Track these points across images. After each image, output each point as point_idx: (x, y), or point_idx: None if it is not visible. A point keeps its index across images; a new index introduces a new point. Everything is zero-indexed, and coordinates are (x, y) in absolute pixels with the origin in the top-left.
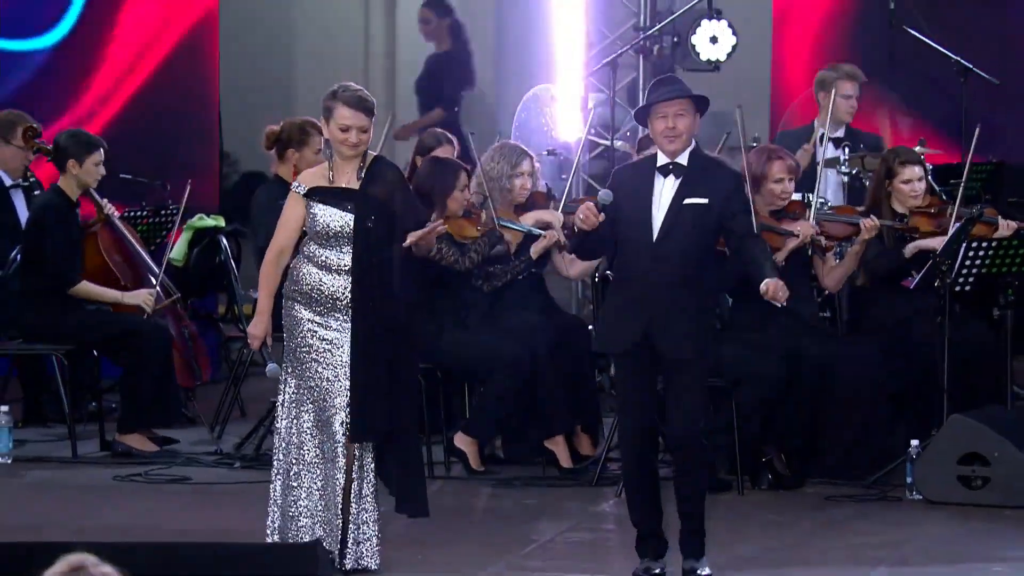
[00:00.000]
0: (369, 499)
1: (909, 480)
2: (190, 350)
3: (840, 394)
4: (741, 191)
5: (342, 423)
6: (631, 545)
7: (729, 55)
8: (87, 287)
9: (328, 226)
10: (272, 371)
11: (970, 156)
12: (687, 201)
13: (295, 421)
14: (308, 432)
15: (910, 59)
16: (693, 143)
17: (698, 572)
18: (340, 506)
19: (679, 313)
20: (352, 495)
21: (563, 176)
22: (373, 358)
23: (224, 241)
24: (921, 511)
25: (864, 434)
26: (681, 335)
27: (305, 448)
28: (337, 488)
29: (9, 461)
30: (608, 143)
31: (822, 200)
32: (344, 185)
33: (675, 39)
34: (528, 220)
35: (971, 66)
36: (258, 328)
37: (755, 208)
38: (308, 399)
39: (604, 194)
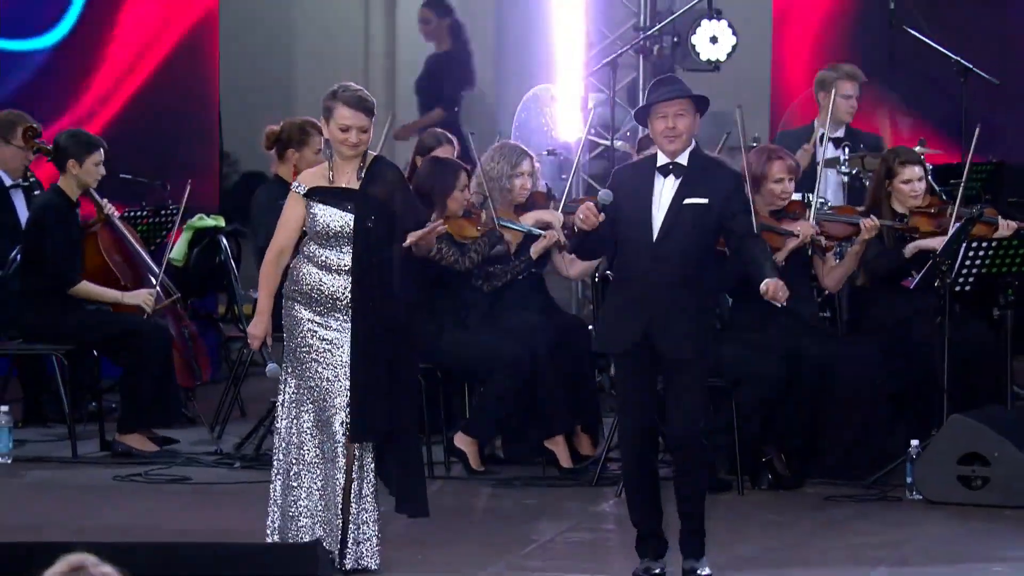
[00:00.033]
0: (369, 499)
1: (909, 480)
2: (190, 350)
3: (840, 394)
4: (741, 191)
5: (342, 423)
6: (631, 545)
7: (729, 55)
8: (87, 287)
9: (328, 226)
10: (272, 371)
11: (970, 156)
12: (687, 201)
13: (295, 421)
14: (308, 432)
15: (910, 59)
16: (693, 143)
17: (698, 572)
18: (340, 506)
19: (679, 313)
20: (352, 495)
21: (563, 176)
22: (373, 358)
23: (224, 241)
24: (921, 511)
25: (864, 434)
26: (681, 335)
27: (305, 448)
28: (337, 488)
29: (9, 461)
30: (608, 143)
31: (822, 200)
32: (344, 185)
33: (675, 39)
34: (528, 220)
35: (971, 66)
36: (258, 328)
37: (755, 208)
38: (308, 399)
39: (604, 194)
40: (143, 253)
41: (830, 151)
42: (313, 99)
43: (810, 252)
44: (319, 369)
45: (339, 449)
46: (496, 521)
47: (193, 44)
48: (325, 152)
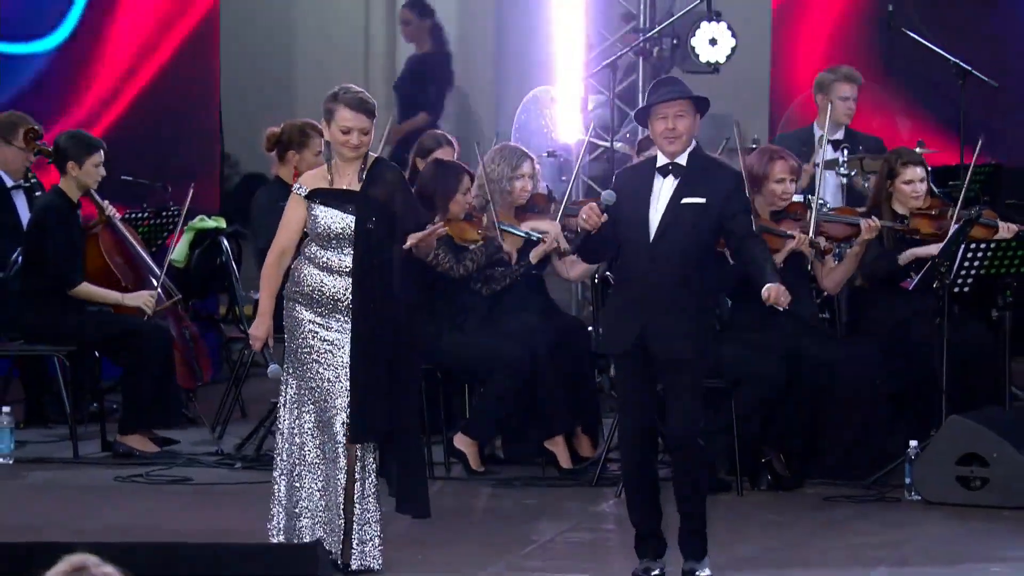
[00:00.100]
0: (371, 499)
1: (908, 481)
2: (191, 351)
3: (839, 395)
4: (741, 191)
5: (343, 424)
6: (631, 545)
7: (728, 57)
8: (88, 288)
9: (329, 228)
10: (274, 372)
11: (974, 159)
12: (685, 201)
13: (296, 421)
14: (309, 433)
15: (909, 61)
16: (694, 144)
17: (697, 573)
18: (342, 506)
19: (676, 313)
20: (355, 495)
21: (563, 178)
22: (373, 359)
23: (225, 242)
24: (920, 512)
25: (863, 435)
26: (678, 335)
27: (306, 448)
28: (338, 488)
29: (11, 462)
30: (608, 145)
31: (821, 202)
32: (345, 187)
33: (674, 41)
34: (526, 227)
35: (970, 68)
36: (260, 329)
37: (754, 209)
38: (309, 400)
39: (607, 195)
40: (144, 254)
41: (829, 153)
42: (314, 101)
43: (811, 258)
44: (320, 370)
45: (340, 450)
46: (496, 521)
47: (194, 46)
48: (325, 154)
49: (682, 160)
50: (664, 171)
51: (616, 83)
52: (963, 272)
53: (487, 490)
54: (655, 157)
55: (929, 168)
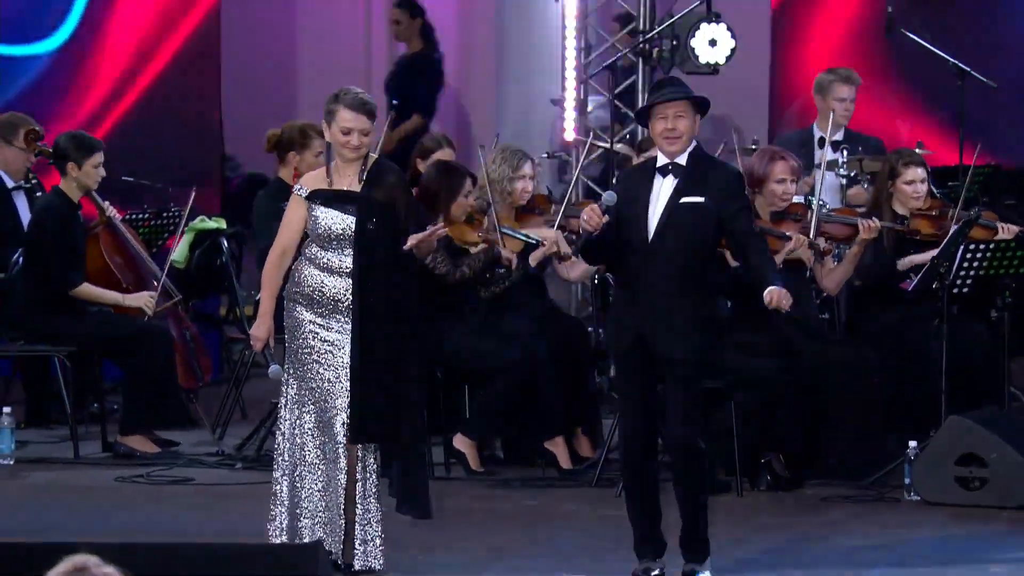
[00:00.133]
0: (372, 499)
1: (907, 481)
2: (191, 351)
3: (839, 395)
4: (741, 189)
5: (343, 424)
6: (630, 546)
7: (728, 58)
8: (88, 289)
9: (330, 228)
10: (275, 372)
11: (975, 160)
12: (684, 200)
13: (297, 422)
14: (309, 433)
15: (907, 62)
16: (694, 144)
17: (698, 575)
18: (343, 507)
19: (676, 313)
20: (357, 496)
21: (563, 179)
22: (373, 360)
23: (225, 243)
24: (919, 512)
25: (862, 435)
26: (675, 335)
27: (306, 449)
28: (339, 489)
29: (11, 462)
30: (607, 146)
31: (821, 203)
32: (346, 188)
33: (674, 42)
34: (528, 231)
35: (968, 69)
36: (261, 330)
37: (755, 209)
38: (309, 400)
39: (608, 196)
40: (144, 255)
41: (828, 154)
42: (315, 102)
43: (810, 267)
44: (320, 370)
45: (340, 450)
46: (496, 522)
47: (195, 47)
48: (325, 155)
49: (682, 160)
50: (664, 171)
51: (615, 84)
52: (962, 273)
53: (487, 491)
54: (656, 158)
55: (929, 169)
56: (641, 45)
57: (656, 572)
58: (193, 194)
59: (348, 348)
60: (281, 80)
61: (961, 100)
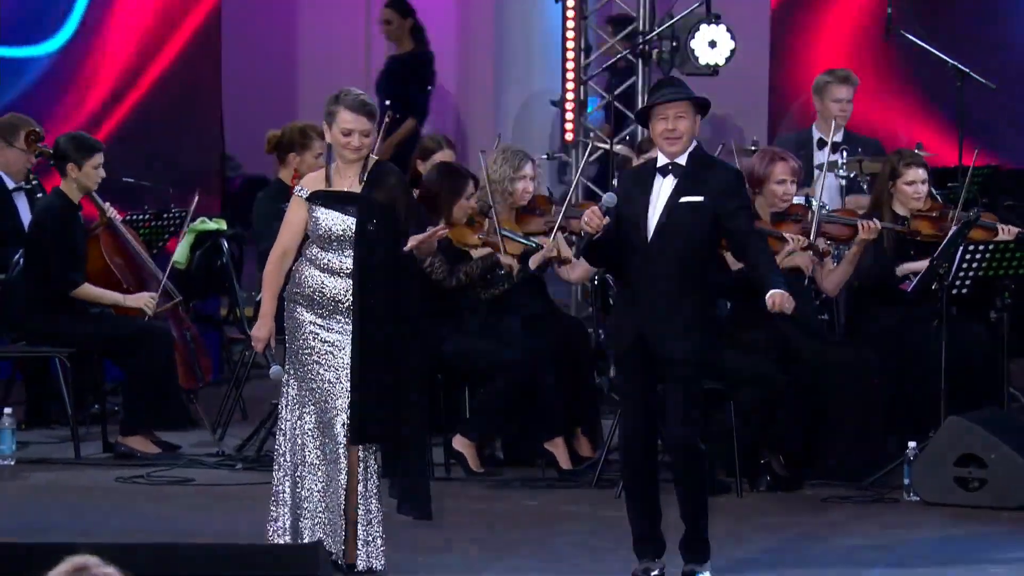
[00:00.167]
0: (374, 500)
1: (906, 482)
2: (192, 352)
3: (838, 396)
4: (741, 188)
5: (343, 424)
6: (630, 546)
7: (728, 59)
8: (88, 289)
9: (330, 230)
10: (276, 373)
11: (974, 161)
12: (683, 200)
13: (298, 422)
14: (309, 434)
15: (907, 63)
16: (695, 144)
17: (697, 575)
18: (343, 507)
19: (675, 313)
20: (359, 496)
21: (563, 180)
22: (374, 361)
23: (226, 244)
24: (918, 512)
25: (862, 436)
26: (674, 335)
27: (307, 450)
28: (339, 489)
29: (12, 463)
30: (607, 147)
31: (820, 204)
32: (346, 189)
33: (674, 43)
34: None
35: (968, 70)
36: (262, 331)
37: (755, 210)
38: (310, 401)
39: (608, 197)
40: (145, 256)
41: (827, 155)
42: (315, 103)
43: (808, 275)
44: (320, 371)
45: (341, 451)
46: (495, 522)
47: (195, 48)
48: (326, 156)
49: (682, 160)
50: (664, 171)
51: (615, 85)
52: (961, 274)
53: (486, 491)
54: (656, 158)
55: (930, 169)
56: (641, 46)
57: (656, 572)
58: (196, 198)
59: (348, 349)
60: (281, 81)
61: (960, 101)
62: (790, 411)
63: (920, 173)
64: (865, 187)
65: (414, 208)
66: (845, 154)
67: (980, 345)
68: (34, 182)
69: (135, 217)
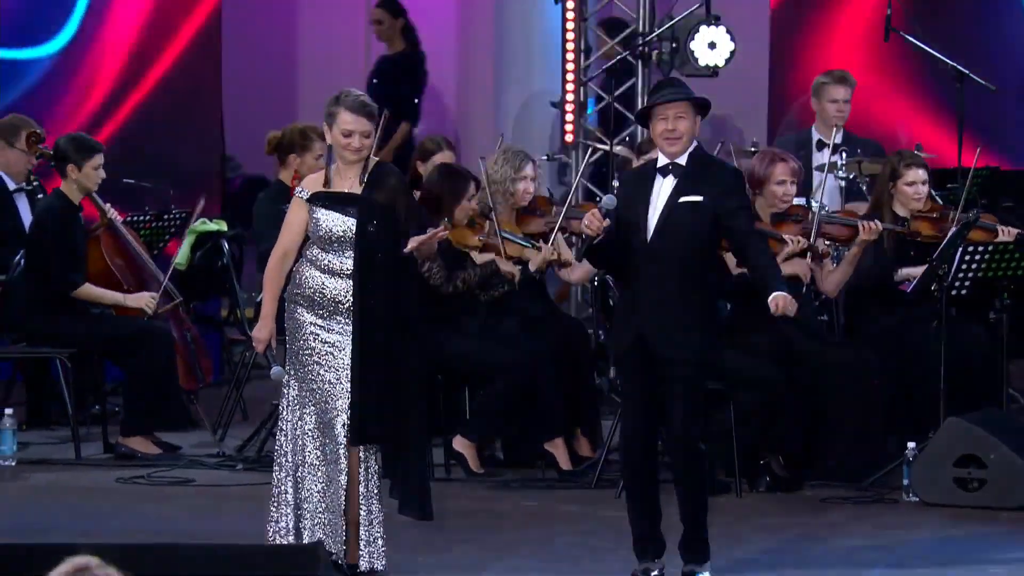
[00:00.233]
0: (375, 500)
1: (906, 482)
2: (192, 353)
3: (837, 397)
4: (740, 188)
5: (343, 425)
6: (630, 546)
7: (727, 61)
8: (89, 289)
9: (331, 231)
10: (277, 374)
11: (974, 163)
12: (683, 199)
13: (298, 423)
14: (310, 434)
15: (906, 65)
16: (695, 144)
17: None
18: (344, 508)
19: (676, 313)
20: (360, 497)
21: (562, 181)
22: (374, 361)
23: (226, 245)
24: (918, 513)
25: (861, 436)
26: (675, 335)
27: (307, 450)
28: (339, 490)
29: (13, 463)
30: (607, 148)
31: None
32: (347, 190)
33: (673, 45)
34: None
35: (967, 71)
36: (263, 332)
37: (755, 211)
38: (310, 401)
39: (607, 199)
40: (146, 257)
41: (827, 156)
42: (316, 105)
43: (808, 259)
44: (321, 372)
45: (341, 451)
46: (495, 523)
47: (196, 50)
48: (326, 157)
49: (682, 160)
50: (664, 171)
51: (615, 87)
52: (960, 275)
53: (487, 492)
54: (656, 159)
55: (930, 170)
56: (641, 48)
57: (656, 572)
58: (202, 202)
59: (349, 349)
60: (281, 82)
61: (960, 102)
62: (790, 412)
63: (920, 174)
64: (864, 188)
65: (414, 209)
66: (844, 155)
67: (979, 346)
68: (35, 183)
69: (136, 218)
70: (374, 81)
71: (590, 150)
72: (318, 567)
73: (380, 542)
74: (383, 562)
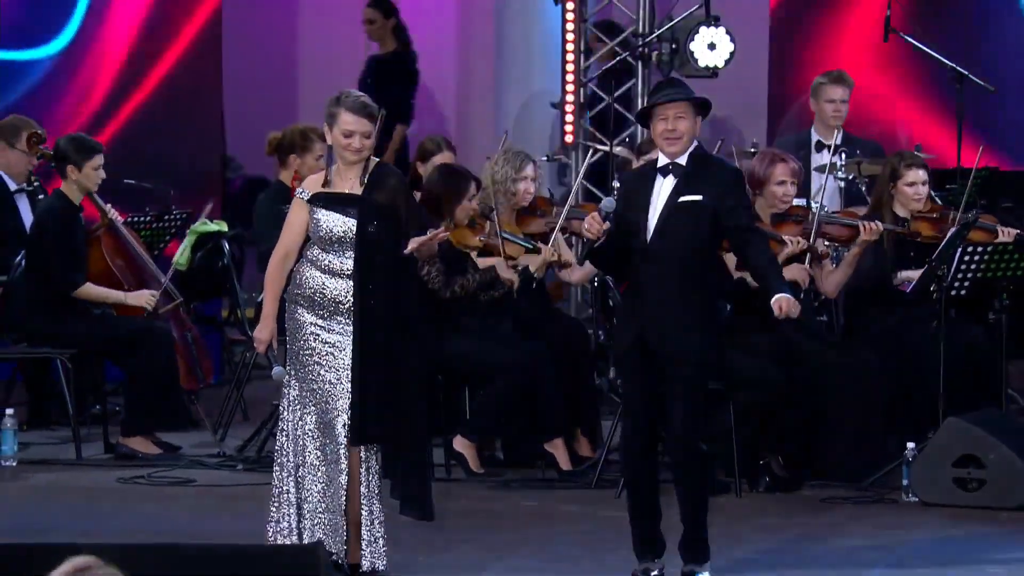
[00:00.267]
0: (376, 500)
1: (905, 482)
2: (193, 353)
3: (837, 397)
4: (740, 186)
5: (344, 425)
6: (629, 546)
7: (727, 62)
8: (90, 289)
9: (331, 231)
10: (278, 374)
11: (977, 162)
12: (682, 199)
13: (299, 423)
14: (310, 435)
15: (906, 65)
16: (695, 144)
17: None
18: (345, 508)
19: (675, 313)
20: (362, 497)
21: (562, 182)
22: (374, 362)
23: (227, 246)
24: (917, 513)
25: (861, 437)
26: (676, 335)
27: (307, 450)
28: (340, 490)
29: (14, 464)
30: (607, 149)
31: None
32: (347, 191)
33: (673, 46)
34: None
35: (967, 72)
36: (264, 332)
37: (755, 212)
38: (311, 401)
39: (607, 202)
40: (146, 258)
41: (826, 157)
42: (316, 105)
43: (808, 261)
44: (321, 372)
45: (342, 451)
46: (495, 523)
47: (197, 51)
48: (327, 158)
49: (682, 160)
50: (664, 171)
51: (615, 87)
52: (960, 276)
53: (487, 492)
54: (657, 159)
55: (930, 171)
56: (640, 49)
57: (656, 572)
58: (210, 205)
59: (349, 350)
60: (282, 83)
61: (959, 103)
62: (790, 412)
63: (920, 174)
64: (864, 189)
65: (415, 210)
66: (844, 156)
67: (979, 346)
68: (36, 184)
69: (136, 219)
70: (368, 81)
71: (590, 151)
72: (318, 567)
73: (381, 542)
74: (384, 561)
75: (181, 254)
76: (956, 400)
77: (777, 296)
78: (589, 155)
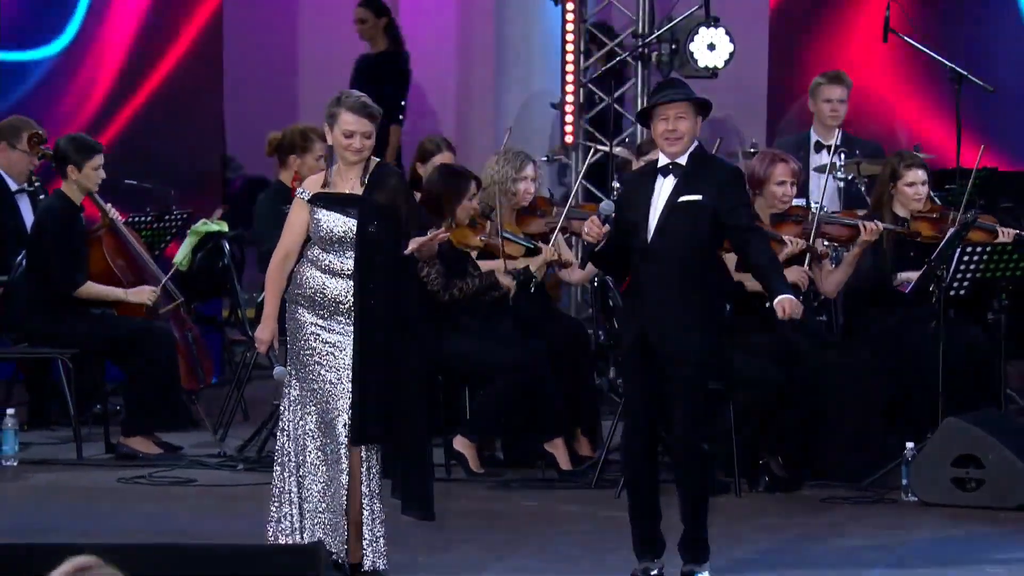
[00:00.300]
0: (377, 500)
1: (904, 482)
2: (193, 354)
3: (836, 397)
4: (739, 185)
5: (344, 425)
6: (630, 546)
7: (727, 62)
8: (90, 288)
9: (331, 231)
10: (279, 374)
11: (978, 162)
12: (682, 199)
13: (300, 423)
14: (310, 434)
15: (906, 65)
16: (695, 144)
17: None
18: (345, 507)
19: (676, 313)
20: (363, 497)
21: (562, 182)
22: (375, 362)
23: (227, 246)
24: (916, 513)
25: (860, 437)
26: (677, 335)
27: (308, 450)
28: (340, 490)
29: (15, 464)
30: (607, 149)
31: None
32: (347, 191)
33: (673, 46)
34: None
35: (965, 72)
36: (265, 332)
37: (755, 212)
38: (311, 401)
39: (605, 205)
40: (147, 258)
41: (825, 157)
42: (317, 106)
43: (807, 261)
44: (322, 372)
45: (342, 451)
46: (496, 523)
47: (197, 51)
48: (327, 158)
49: (682, 160)
50: (664, 171)
51: (615, 88)
52: (959, 276)
53: (487, 492)
54: (657, 159)
55: (929, 171)
56: (640, 49)
57: (656, 572)
58: (220, 211)
59: (349, 350)
60: (282, 83)
61: (958, 103)
62: (789, 412)
63: (920, 174)
64: (863, 189)
65: (415, 210)
66: (843, 156)
67: (978, 346)
68: (36, 184)
69: (137, 219)
70: (357, 81)
71: (591, 151)
72: (318, 567)
73: (382, 541)
74: (384, 561)
75: (182, 254)
76: (955, 400)
77: (780, 297)
78: (589, 155)
